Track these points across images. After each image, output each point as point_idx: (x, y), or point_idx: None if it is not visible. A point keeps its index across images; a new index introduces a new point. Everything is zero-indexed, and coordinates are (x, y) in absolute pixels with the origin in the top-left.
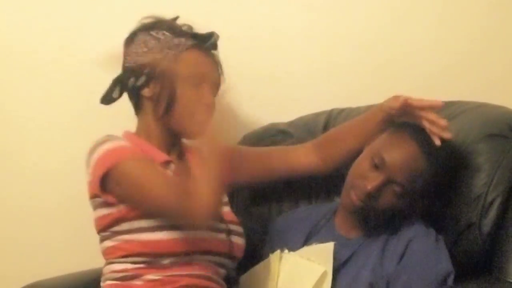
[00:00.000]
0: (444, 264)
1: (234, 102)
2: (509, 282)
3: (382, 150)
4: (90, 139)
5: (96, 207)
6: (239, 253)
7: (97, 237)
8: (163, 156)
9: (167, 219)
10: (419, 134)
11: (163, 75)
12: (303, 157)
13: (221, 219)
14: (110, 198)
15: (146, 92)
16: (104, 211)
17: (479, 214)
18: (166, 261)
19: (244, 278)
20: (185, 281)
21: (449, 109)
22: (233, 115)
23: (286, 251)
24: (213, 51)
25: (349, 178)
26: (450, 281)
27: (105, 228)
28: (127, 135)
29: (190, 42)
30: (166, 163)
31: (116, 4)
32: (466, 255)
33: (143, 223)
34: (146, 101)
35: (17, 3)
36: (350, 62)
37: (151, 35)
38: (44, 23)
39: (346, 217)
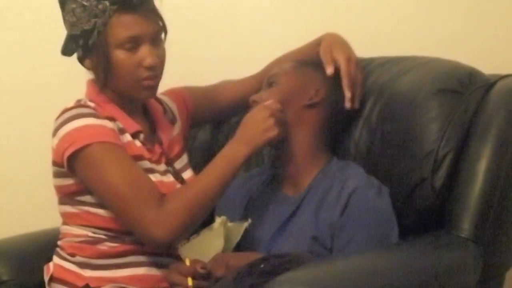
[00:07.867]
0: (385, 217)
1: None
2: (461, 236)
3: None
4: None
5: (58, 175)
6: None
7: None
8: (134, 126)
9: (123, 223)
10: None
11: (96, 47)
12: (252, 87)
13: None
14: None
15: (86, 64)
16: (67, 181)
17: (431, 169)
18: (127, 238)
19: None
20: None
21: (399, 64)
22: None
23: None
24: (142, 4)
25: None
26: (393, 234)
27: (67, 196)
28: (99, 98)
29: (115, 5)
30: (137, 133)
31: None
32: (418, 211)
33: None
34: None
35: None
36: None
37: (77, 1)
38: None
39: (285, 175)
